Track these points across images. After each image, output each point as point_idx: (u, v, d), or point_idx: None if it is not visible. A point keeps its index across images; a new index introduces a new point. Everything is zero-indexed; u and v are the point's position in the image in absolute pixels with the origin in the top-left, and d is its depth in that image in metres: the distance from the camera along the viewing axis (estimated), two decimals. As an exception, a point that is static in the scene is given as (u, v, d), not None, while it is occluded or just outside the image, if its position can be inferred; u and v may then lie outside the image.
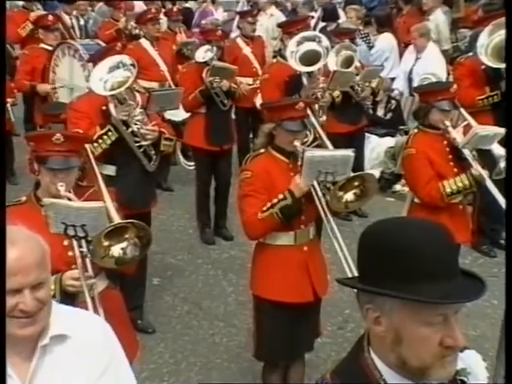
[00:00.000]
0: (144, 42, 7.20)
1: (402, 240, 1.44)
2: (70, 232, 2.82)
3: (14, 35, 8.47)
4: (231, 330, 4.81)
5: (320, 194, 3.47)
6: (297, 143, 3.52)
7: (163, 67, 7.20)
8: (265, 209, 3.44)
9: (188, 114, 6.50)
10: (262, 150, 3.64)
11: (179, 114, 6.51)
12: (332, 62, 5.63)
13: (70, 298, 2.85)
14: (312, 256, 3.64)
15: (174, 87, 6.97)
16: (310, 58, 4.83)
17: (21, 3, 9.91)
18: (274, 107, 3.65)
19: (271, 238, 3.57)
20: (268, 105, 3.93)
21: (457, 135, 4.17)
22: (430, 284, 1.41)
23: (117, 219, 3.06)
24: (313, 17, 7.39)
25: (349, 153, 3.48)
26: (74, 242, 2.86)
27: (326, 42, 4.89)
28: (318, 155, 3.42)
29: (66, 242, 2.91)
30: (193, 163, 7.12)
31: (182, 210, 6.99)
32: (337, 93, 5.89)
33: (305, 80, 4.96)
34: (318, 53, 4.82)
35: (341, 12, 9.35)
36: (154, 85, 6.92)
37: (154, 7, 7.75)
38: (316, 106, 5.05)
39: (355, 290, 1.56)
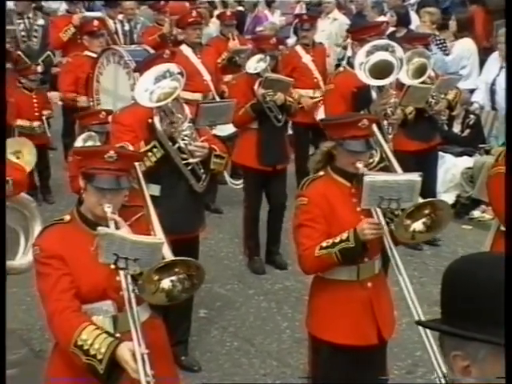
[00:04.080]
0: (185, 49, 7.26)
1: (501, 278, 1.41)
2: (121, 264, 2.86)
3: (56, 41, 8.75)
4: (285, 371, 4.80)
5: (383, 221, 3.44)
6: (359, 165, 3.48)
7: (206, 76, 7.26)
8: (324, 245, 3.41)
9: (235, 129, 6.57)
10: (321, 173, 3.62)
11: (225, 129, 6.56)
12: (402, 71, 5.58)
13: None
14: (377, 293, 3.61)
15: (218, 98, 7.07)
16: (381, 70, 4.77)
17: (64, 7, 10.24)
18: (335, 124, 3.63)
19: (331, 272, 3.54)
20: (328, 121, 3.92)
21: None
22: None
23: (169, 255, 3.15)
24: (388, 22, 7.34)
25: (415, 177, 3.43)
26: (122, 276, 2.92)
27: (400, 52, 4.80)
28: (379, 180, 3.38)
29: (113, 266, 2.96)
30: (240, 182, 7.17)
31: (232, 234, 7.05)
32: (410, 109, 5.83)
33: (374, 94, 4.93)
34: (390, 64, 4.75)
35: (413, 15, 9.32)
36: (197, 96, 6.98)
37: (197, 10, 7.83)
38: (385, 123, 5.02)
39: (426, 329, 1.54)
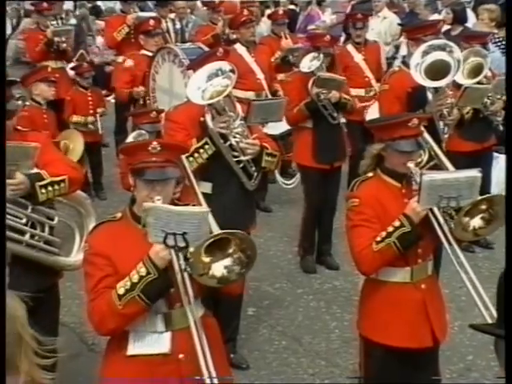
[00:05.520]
0: (239, 48, 7.29)
1: None
2: (170, 242, 2.84)
3: (110, 40, 8.92)
4: (334, 371, 4.78)
5: (442, 220, 3.39)
6: (410, 165, 3.46)
7: (260, 75, 7.28)
8: (379, 239, 3.39)
9: (286, 128, 6.57)
10: (371, 174, 3.61)
11: (277, 127, 6.57)
12: (458, 71, 5.48)
13: (165, 271, 2.91)
14: (430, 295, 3.57)
15: (271, 97, 7.08)
16: (437, 70, 4.69)
17: (118, 7, 10.43)
18: (384, 125, 3.61)
19: (384, 274, 3.53)
20: (376, 122, 3.90)
21: None
22: None
23: (217, 230, 3.08)
24: (444, 21, 7.22)
25: (475, 173, 3.37)
26: (173, 255, 2.89)
27: (458, 52, 4.69)
28: (439, 178, 3.33)
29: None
30: (291, 181, 7.17)
31: (281, 232, 7.06)
32: (467, 108, 5.74)
33: (429, 94, 4.86)
34: (447, 65, 4.68)
35: (469, 12, 9.16)
36: (250, 94, 7.01)
37: (248, 9, 7.84)
38: (441, 124, 4.96)
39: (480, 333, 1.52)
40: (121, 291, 2.89)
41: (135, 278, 2.88)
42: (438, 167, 4.30)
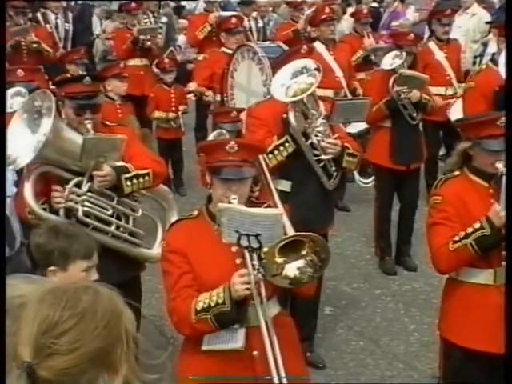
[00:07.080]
0: (318, 46, 7.22)
1: None
2: (243, 242, 2.87)
3: (193, 38, 9.03)
4: (413, 374, 4.68)
5: None
6: (499, 165, 3.35)
7: (339, 73, 7.21)
8: (457, 239, 3.32)
9: (365, 126, 6.48)
10: (457, 172, 3.53)
11: (356, 126, 6.49)
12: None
13: (240, 306, 2.92)
14: None
15: (350, 95, 7.00)
16: None
17: (200, 6, 10.57)
18: (471, 124, 3.52)
19: (466, 274, 3.44)
20: (464, 121, 3.82)
21: None
22: None
23: (292, 232, 3.09)
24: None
25: None
26: (247, 255, 2.90)
27: None
28: None
29: (233, 249, 3.01)
30: (369, 181, 7.06)
31: (359, 232, 6.98)
32: None
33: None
34: None
35: None
36: (329, 92, 6.92)
37: (330, 6, 7.78)
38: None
39: None
40: (199, 306, 2.92)
41: (213, 301, 2.91)
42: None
